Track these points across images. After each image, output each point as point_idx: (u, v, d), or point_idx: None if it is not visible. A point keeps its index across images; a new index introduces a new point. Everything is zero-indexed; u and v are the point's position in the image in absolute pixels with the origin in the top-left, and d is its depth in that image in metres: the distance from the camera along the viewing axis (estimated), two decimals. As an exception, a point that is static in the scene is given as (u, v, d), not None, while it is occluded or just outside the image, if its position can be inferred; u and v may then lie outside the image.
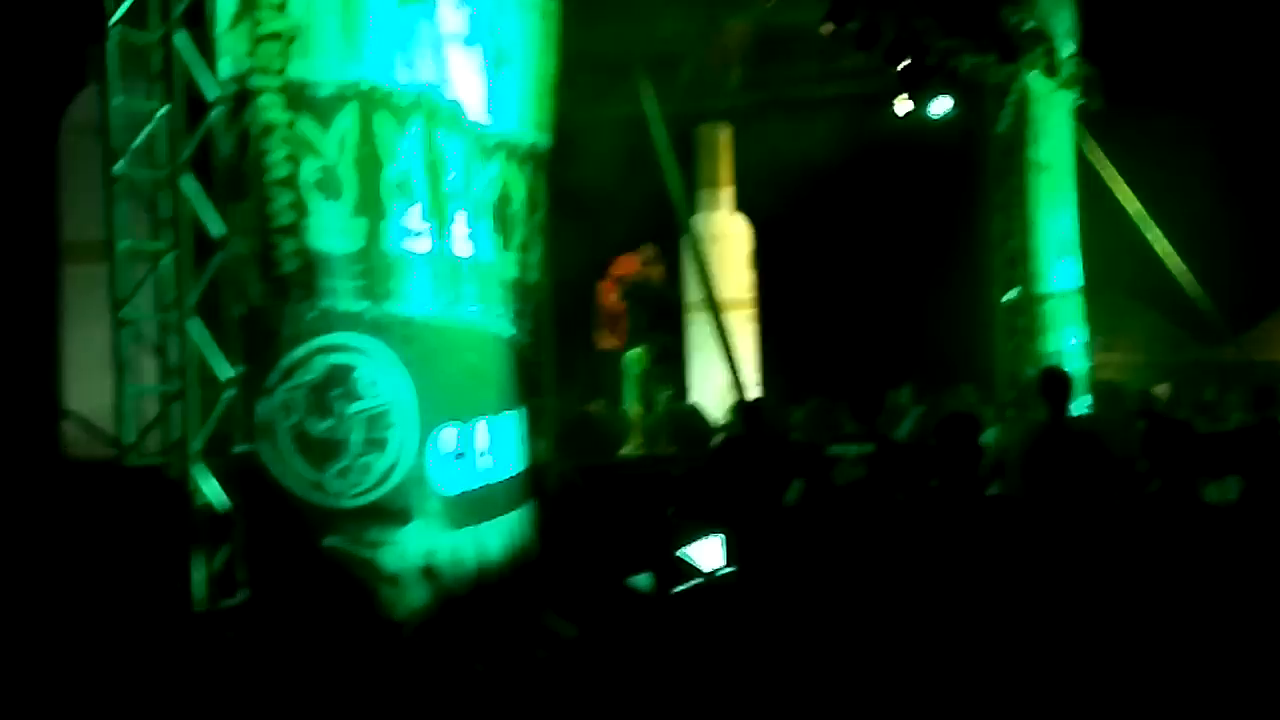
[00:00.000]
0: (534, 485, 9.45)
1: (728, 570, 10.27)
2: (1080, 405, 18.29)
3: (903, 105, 19.20)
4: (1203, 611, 7.54)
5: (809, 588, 9.22)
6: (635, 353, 14.58)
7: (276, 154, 7.83)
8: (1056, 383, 8.77)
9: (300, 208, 7.84)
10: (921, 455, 10.72)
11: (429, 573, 8.07)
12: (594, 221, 16.07)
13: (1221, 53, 25.58)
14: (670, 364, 14.61)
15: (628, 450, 14.25)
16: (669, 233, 13.39)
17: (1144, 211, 22.55)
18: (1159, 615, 7.41)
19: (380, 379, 7.96)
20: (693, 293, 14.99)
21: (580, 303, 14.85)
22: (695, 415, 15.01)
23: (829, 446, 10.41)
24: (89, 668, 6.98)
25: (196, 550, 7.38)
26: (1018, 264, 20.61)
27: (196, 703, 7.14)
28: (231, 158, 7.75)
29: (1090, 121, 22.68)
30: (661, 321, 14.66)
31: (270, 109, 7.83)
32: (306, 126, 7.90)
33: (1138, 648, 7.28)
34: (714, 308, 12.62)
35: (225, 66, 7.74)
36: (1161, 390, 17.85)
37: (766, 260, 19.01)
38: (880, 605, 8.60)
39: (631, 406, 14.64)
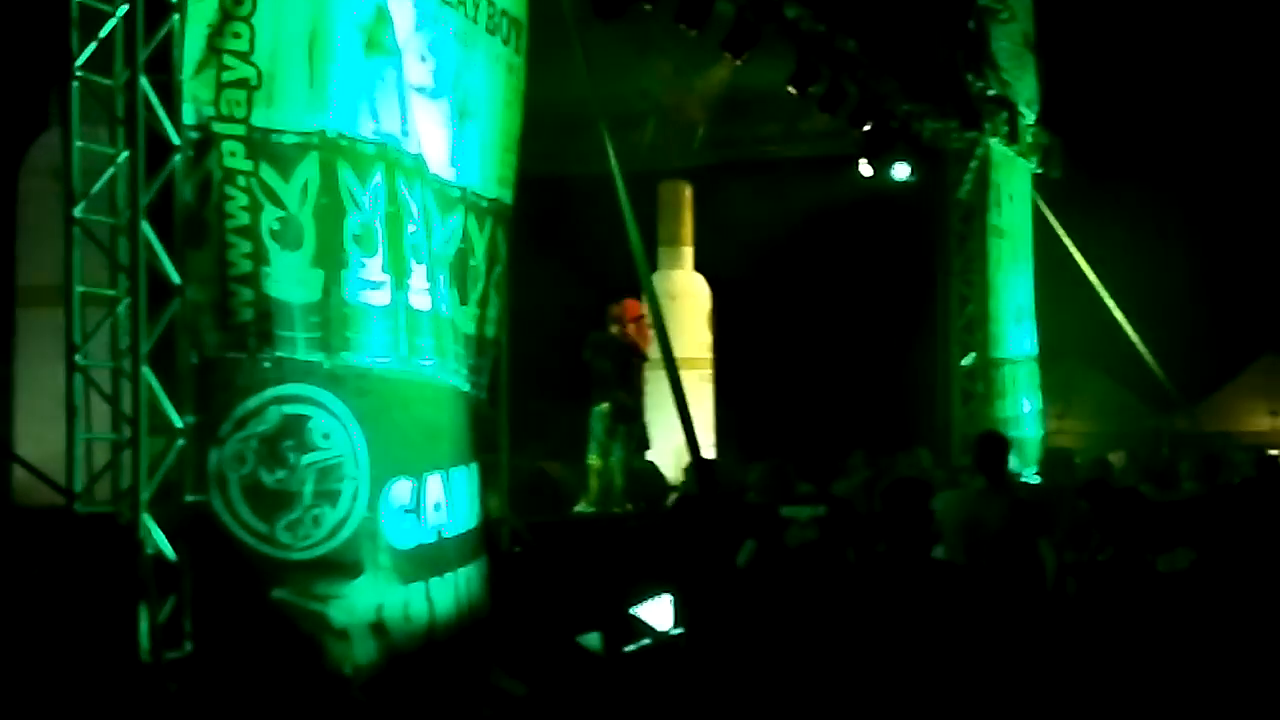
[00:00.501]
0: (486, 541, 9.42)
1: (677, 631, 10.24)
2: (1031, 472, 18.37)
3: (865, 169, 19.32)
4: (1151, 679, 7.55)
5: (758, 650, 9.19)
6: (600, 408, 14.56)
7: (237, 202, 7.79)
8: (993, 448, 8.73)
9: (259, 257, 7.79)
10: (872, 518, 10.73)
11: (378, 628, 8.00)
12: (554, 278, 16.11)
13: (1182, 125, 25.86)
14: (627, 421, 14.56)
15: (582, 507, 14.21)
16: (629, 290, 13.36)
17: (1100, 280, 22.71)
18: (1101, 683, 7.42)
19: (334, 431, 7.90)
20: (650, 350, 14.96)
21: (536, 358, 14.81)
22: (652, 473, 14.98)
23: (782, 508, 10.38)
24: (33, 717, 6.88)
25: (143, 600, 7.29)
26: (975, 329, 20.74)
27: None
28: (191, 205, 7.69)
29: (1049, 190, 22.90)
30: (622, 377, 14.62)
31: (232, 156, 7.79)
32: (268, 175, 7.87)
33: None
34: (671, 366, 12.59)
35: (188, 113, 7.69)
36: (1116, 458, 17.88)
37: (725, 319, 19.02)
38: (826, 670, 8.58)
39: (593, 460, 14.61)
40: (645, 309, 14.33)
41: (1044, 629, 7.59)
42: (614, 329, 14.74)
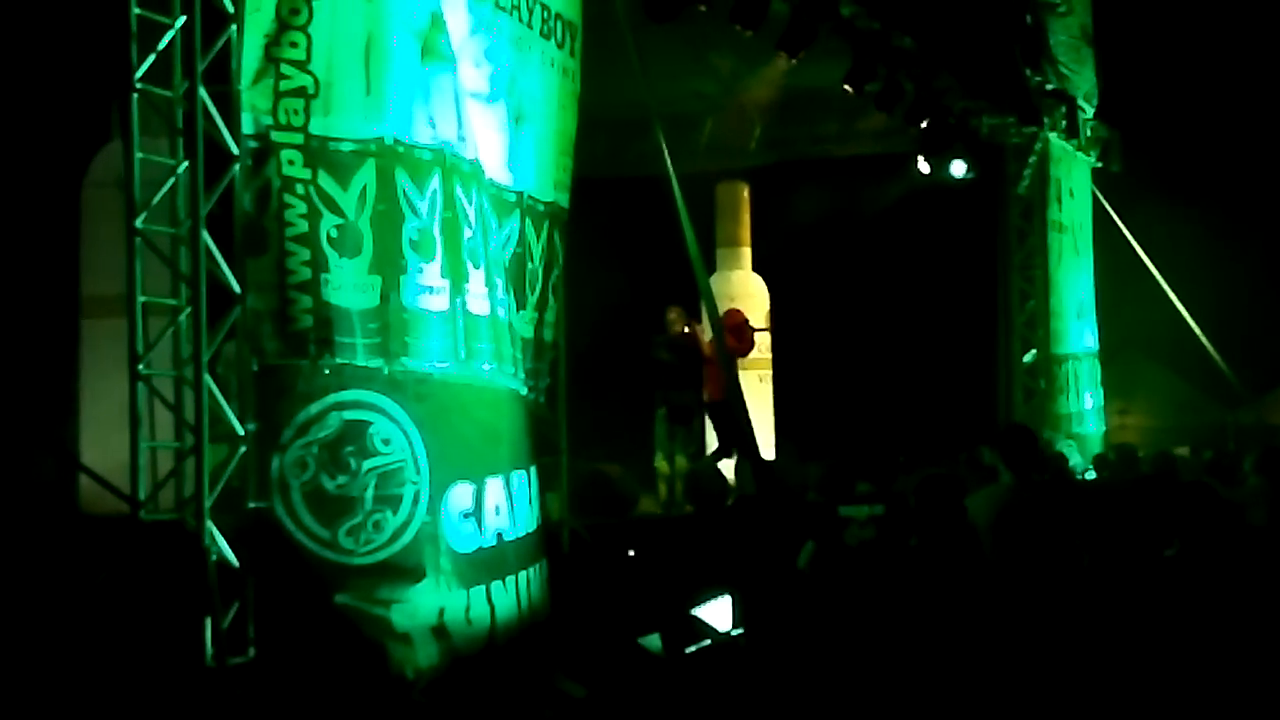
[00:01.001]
0: (546, 544, 9.44)
1: (737, 632, 10.23)
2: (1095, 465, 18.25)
3: (923, 166, 19.25)
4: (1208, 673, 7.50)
5: (818, 651, 9.18)
6: (660, 410, 14.62)
7: (295, 210, 7.88)
8: (1018, 441, 8.58)
9: (318, 264, 7.86)
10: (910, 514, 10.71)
11: (440, 631, 8.06)
12: (612, 281, 16.13)
13: (1242, 115, 25.61)
14: (684, 423, 14.55)
15: (649, 508, 14.23)
16: (687, 292, 13.37)
17: (1162, 274, 22.54)
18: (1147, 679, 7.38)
19: (394, 436, 7.97)
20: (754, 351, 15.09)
21: (595, 361, 14.85)
22: (712, 474, 14.97)
23: (840, 507, 10.37)
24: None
25: (207, 607, 7.35)
26: (1036, 325, 20.64)
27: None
28: (251, 213, 7.77)
29: (1110, 184, 22.74)
30: (681, 379, 14.64)
31: (290, 165, 7.87)
32: (326, 182, 7.95)
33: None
34: (729, 368, 12.59)
35: (247, 122, 7.78)
36: (1181, 453, 17.74)
37: (784, 320, 18.99)
38: (879, 668, 8.57)
39: (659, 463, 14.66)
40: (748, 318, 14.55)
41: (1073, 626, 7.53)
42: (674, 331, 14.76)
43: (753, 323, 16.01)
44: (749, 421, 12.83)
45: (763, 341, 18.27)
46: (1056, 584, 7.77)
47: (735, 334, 14.72)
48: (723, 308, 13.93)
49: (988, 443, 17.77)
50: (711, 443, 15.43)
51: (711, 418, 15.17)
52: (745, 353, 15.22)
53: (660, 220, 12.21)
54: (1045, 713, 7.22)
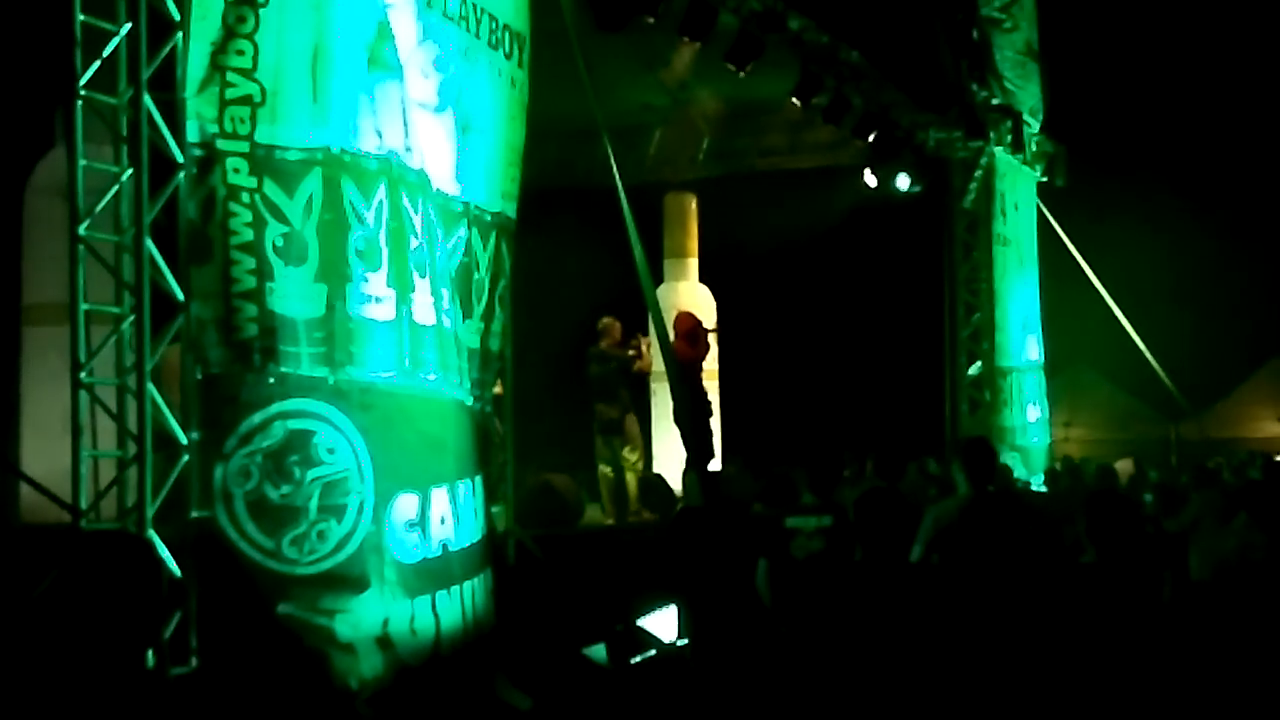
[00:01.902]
0: (492, 554, 9.42)
1: (683, 642, 10.24)
2: (1038, 480, 18.37)
3: (870, 179, 19.35)
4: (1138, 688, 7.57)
5: (764, 663, 9.19)
6: (596, 422, 14.65)
7: (240, 218, 7.81)
8: (977, 454, 8.67)
9: (263, 273, 7.81)
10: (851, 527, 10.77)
11: (384, 641, 8.01)
12: (559, 292, 16.14)
13: (1187, 130, 25.87)
14: (612, 433, 14.56)
15: (598, 517, 14.24)
16: (634, 302, 13.39)
17: (1106, 287, 22.72)
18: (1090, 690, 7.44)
19: (339, 445, 7.93)
20: (656, 363, 15.02)
21: (540, 372, 14.86)
22: (659, 485, 15.01)
23: (787, 519, 10.39)
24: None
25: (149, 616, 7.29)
26: (981, 337, 20.77)
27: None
28: (195, 222, 7.71)
29: (1055, 198, 22.91)
30: (607, 392, 14.65)
31: (236, 173, 7.81)
32: (271, 191, 7.89)
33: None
34: (674, 378, 12.61)
35: (192, 130, 7.72)
36: (1123, 466, 17.90)
37: (731, 331, 19.03)
38: (830, 680, 8.59)
39: (602, 469, 14.67)
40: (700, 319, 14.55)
41: (1031, 637, 7.59)
42: (603, 343, 14.77)
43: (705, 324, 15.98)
44: (700, 432, 12.87)
45: (710, 352, 18.31)
46: (1006, 590, 7.82)
47: (689, 339, 14.73)
48: (669, 318, 13.94)
49: (935, 454, 17.94)
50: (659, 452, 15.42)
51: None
52: (702, 356, 15.19)
53: (608, 231, 12.22)
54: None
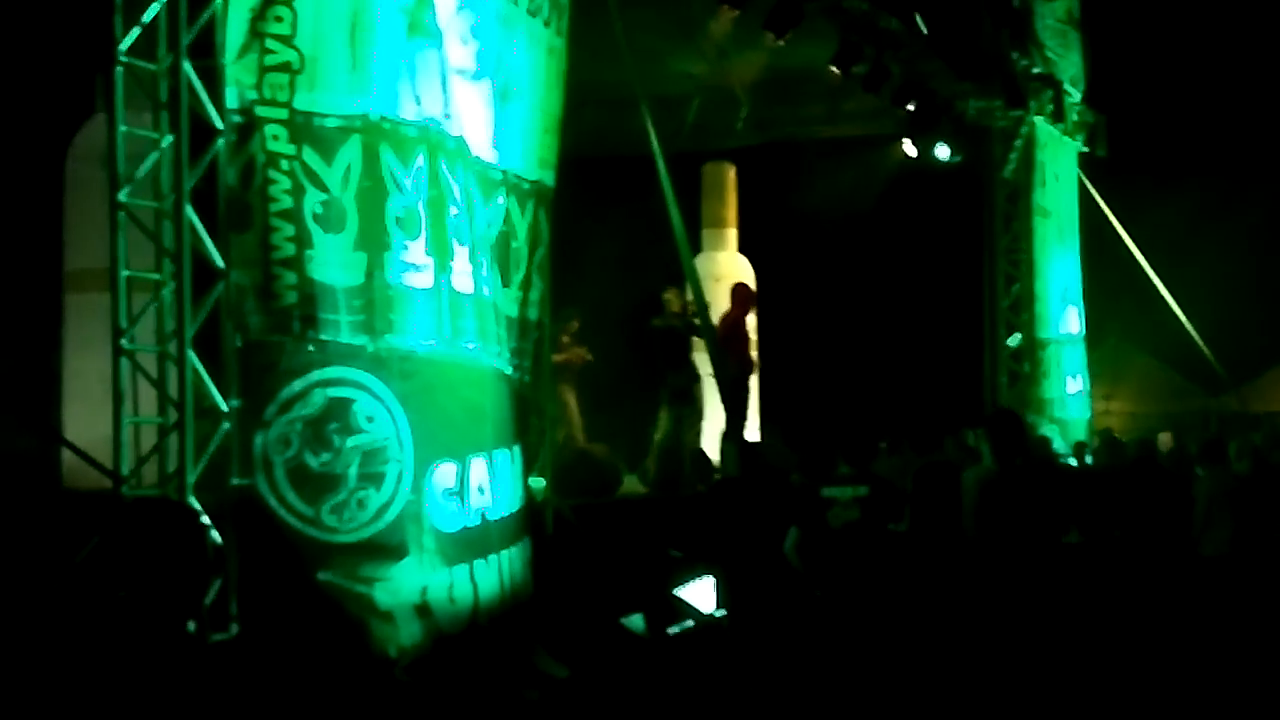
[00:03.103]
0: (530, 523, 9.43)
1: (720, 613, 10.24)
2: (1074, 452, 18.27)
3: (909, 148, 19.24)
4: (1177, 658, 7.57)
5: (800, 631, 9.20)
6: (664, 390, 14.62)
7: (280, 185, 7.82)
8: (1004, 425, 8.60)
9: (302, 240, 7.82)
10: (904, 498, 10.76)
11: (423, 609, 8.04)
12: (598, 261, 16.11)
13: (1230, 100, 25.64)
14: (682, 404, 14.49)
15: (629, 488, 14.22)
16: (673, 273, 13.36)
17: (1147, 259, 22.56)
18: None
19: (378, 413, 7.94)
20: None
21: (580, 341, 14.89)
22: (700, 456, 14.97)
23: (824, 489, 10.38)
24: (79, 700, 6.92)
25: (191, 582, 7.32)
26: (1021, 309, 20.67)
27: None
28: (235, 188, 7.72)
29: (1095, 168, 22.75)
30: (676, 360, 14.59)
31: (275, 140, 7.82)
32: (310, 158, 7.90)
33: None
34: (715, 348, 12.58)
35: (231, 97, 7.73)
36: (1164, 439, 17.77)
37: (769, 301, 18.96)
38: (868, 648, 8.60)
39: (656, 437, 14.65)
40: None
41: (1056, 607, 7.57)
42: (670, 311, 14.72)
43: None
44: (740, 403, 12.85)
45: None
46: (1034, 564, 7.80)
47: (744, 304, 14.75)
48: (708, 289, 13.90)
49: (973, 426, 17.86)
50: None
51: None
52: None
53: (646, 200, 12.19)
54: (1028, 693, 7.26)
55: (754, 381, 15.93)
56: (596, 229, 16.47)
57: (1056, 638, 7.69)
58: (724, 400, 13.54)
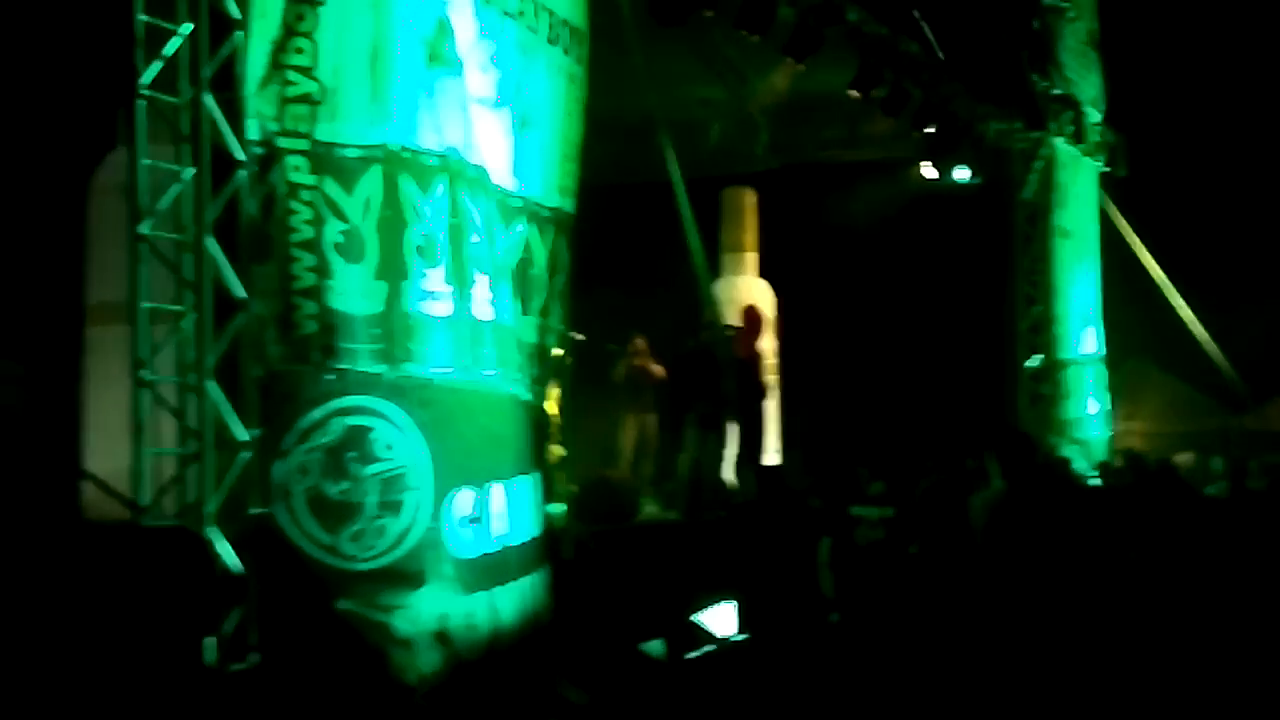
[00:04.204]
0: (549, 550, 9.45)
1: (740, 637, 10.25)
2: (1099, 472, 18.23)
3: (929, 171, 19.25)
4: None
5: (821, 656, 9.21)
6: (689, 416, 14.60)
7: (300, 216, 7.88)
8: (1012, 447, 8.59)
9: (322, 270, 7.88)
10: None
11: (442, 637, 8.06)
12: (616, 287, 16.12)
13: (1249, 120, 25.59)
14: (709, 429, 14.46)
15: (666, 512, 14.21)
16: (692, 298, 13.39)
17: (1168, 279, 22.51)
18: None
19: (397, 442, 7.97)
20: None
21: (600, 366, 14.88)
22: (722, 481, 14.96)
23: (852, 507, 10.40)
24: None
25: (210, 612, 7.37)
26: (1041, 330, 20.63)
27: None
28: (256, 219, 7.79)
29: (1116, 189, 22.72)
30: (704, 387, 14.55)
31: (296, 171, 7.88)
32: (331, 188, 7.96)
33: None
34: (733, 374, 12.61)
35: (253, 128, 7.80)
36: (1184, 459, 17.74)
37: (790, 325, 18.96)
38: (890, 671, 8.59)
39: (680, 467, 14.64)
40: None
41: (1068, 628, 7.57)
42: (704, 336, 14.71)
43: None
44: (760, 427, 12.86)
45: (769, 347, 18.24)
46: (1047, 586, 7.79)
47: (754, 328, 14.69)
48: (729, 314, 13.92)
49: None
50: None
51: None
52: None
53: (666, 226, 12.23)
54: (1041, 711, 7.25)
55: (769, 406, 15.88)
56: (617, 256, 16.49)
57: (1070, 656, 7.69)
58: (740, 425, 13.55)
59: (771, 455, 15.93)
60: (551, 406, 14.44)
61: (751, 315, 14.87)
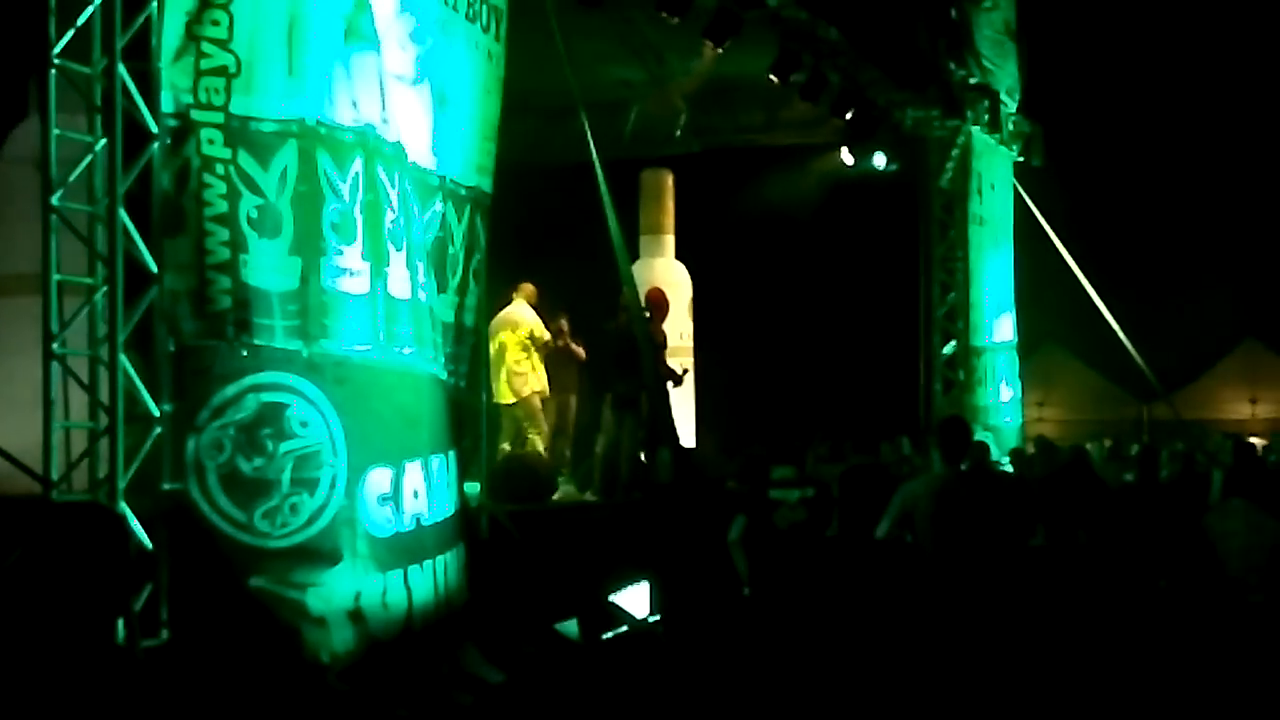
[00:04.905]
0: (464, 529, 9.42)
1: (655, 618, 10.27)
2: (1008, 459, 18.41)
3: (846, 157, 19.35)
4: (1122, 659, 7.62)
5: (737, 638, 9.23)
6: (605, 397, 14.53)
7: (215, 190, 7.80)
8: (954, 433, 8.67)
9: (237, 244, 7.80)
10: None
11: (356, 615, 8.02)
12: (533, 267, 16.07)
13: (1163, 110, 25.90)
14: (625, 410, 14.43)
15: (587, 495, 14.17)
16: (610, 279, 13.36)
17: (1080, 268, 22.74)
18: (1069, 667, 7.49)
19: (312, 419, 7.92)
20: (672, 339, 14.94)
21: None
22: (639, 463, 14.94)
23: (771, 490, 10.41)
24: (5, 706, 6.89)
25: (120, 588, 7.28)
26: (956, 317, 20.78)
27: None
28: (169, 192, 7.70)
29: (1031, 177, 22.93)
30: (621, 368, 14.48)
31: (210, 144, 7.80)
32: (246, 162, 7.88)
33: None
34: (649, 355, 12.59)
35: (167, 100, 7.71)
36: (1094, 447, 17.97)
37: (706, 308, 19.00)
38: (807, 651, 8.62)
39: (598, 448, 14.57)
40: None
41: (1012, 614, 7.62)
42: (622, 318, 14.66)
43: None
44: (668, 409, 12.84)
45: (685, 329, 18.26)
46: (991, 566, 7.84)
47: (658, 311, 14.59)
48: (644, 295, 13.89)
49: (909, 432, 17.98)
50: None
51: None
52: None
53: (584, 206, 12.20)
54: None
55: (684, 388, 15.86)
56: (534, 235, 16.45)
57: (1021, 642, 7.74)
58: (650, 408, 13.55)
59: (686, 437, 15.92)
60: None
61: (655, 297, 14.74)
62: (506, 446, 14.19)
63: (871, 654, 8.01)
